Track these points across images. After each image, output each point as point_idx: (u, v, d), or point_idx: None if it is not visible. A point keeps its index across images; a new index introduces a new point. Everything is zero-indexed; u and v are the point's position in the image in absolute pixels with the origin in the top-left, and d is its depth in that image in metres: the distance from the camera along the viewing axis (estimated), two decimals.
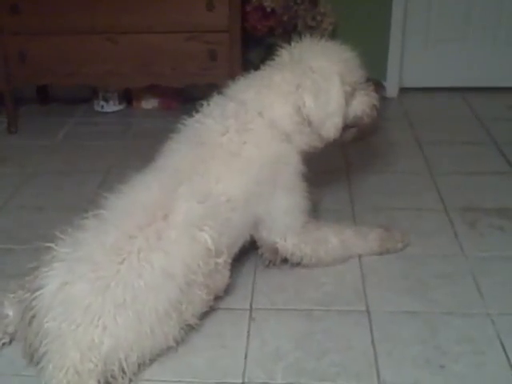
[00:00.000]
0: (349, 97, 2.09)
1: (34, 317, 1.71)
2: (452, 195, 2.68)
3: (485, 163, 2.98)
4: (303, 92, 2.01)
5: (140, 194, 1.85)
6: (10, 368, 1.79)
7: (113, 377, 1.69)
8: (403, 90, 3.90)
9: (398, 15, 3.71)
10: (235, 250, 2.03)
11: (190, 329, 1.84)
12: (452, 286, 2.10)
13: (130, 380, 1.72)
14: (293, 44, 2.14)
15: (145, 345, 1.71)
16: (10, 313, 1.86)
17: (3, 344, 1.86)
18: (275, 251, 2.15)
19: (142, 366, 1.74)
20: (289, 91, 2.03)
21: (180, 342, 1.80)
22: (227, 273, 1.93)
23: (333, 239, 2.18)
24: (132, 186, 1.89)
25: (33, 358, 1.73)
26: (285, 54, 2.12)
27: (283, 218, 2.08)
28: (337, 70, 2.04)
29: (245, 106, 2.02)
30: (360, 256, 2.25)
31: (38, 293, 1.71)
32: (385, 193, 2.73)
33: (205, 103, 2.09)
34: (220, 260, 1.87)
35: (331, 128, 2.06)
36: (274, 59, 2.14)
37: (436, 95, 3.86)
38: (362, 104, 2.15)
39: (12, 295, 1.89)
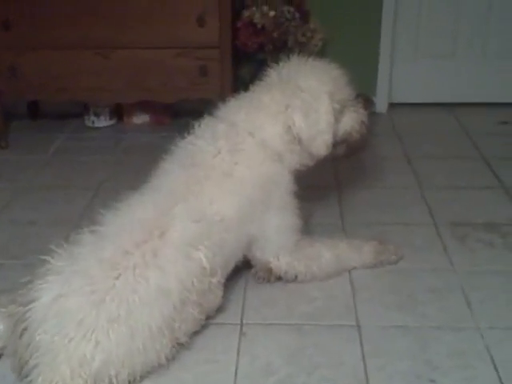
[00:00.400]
0: (338, 114, 2.11)
1: (25, 329, 1.70)
2: (441, 210, 2.70)
3: (474, 178, 3.00)
4: (293, 112, 2.03)
5: (137, 213, 1.87)
6: None
7: None
8: (393, 106, 3.92)
9: (388, 31, 3.74)
10: (228, 270, 2.03)
11: (181, 346, 1.84)
12: (442, 300, 2.11)
13: None
14: (281, 63, 2.15)
15: (136, 361, 1.71)
16: (0, 327, 1.84)
17: None
18: (269, 270, 2.16)
19: (131, 383, 1.73)
20: (278, 111, 2.04)
21: (171, 358, 1.80)
22: (220, 293, 1.94)
23: (326, 254, 2.19)
24: (128, 205, 1.90)
25: (22, 371, 1.71)
26: (273, 74, 2.13)
27: (276, 238, 2.10)
28: (325, 89, 2.06)
29: (236, 127, 2.04)
30: (351, 271, 2.25)
31: (31, 305, 1.70)
32: (375, 207, 2.74)
33: (196, 125, 2.10)
34: (214, 279, 1.88)
35: (321, 145, 2.07)
36: (262, 79, 2.16)
37: (425, 111, 3.90)
38: (352, 120, 2.17)
39: (3, 310, 1.87)
